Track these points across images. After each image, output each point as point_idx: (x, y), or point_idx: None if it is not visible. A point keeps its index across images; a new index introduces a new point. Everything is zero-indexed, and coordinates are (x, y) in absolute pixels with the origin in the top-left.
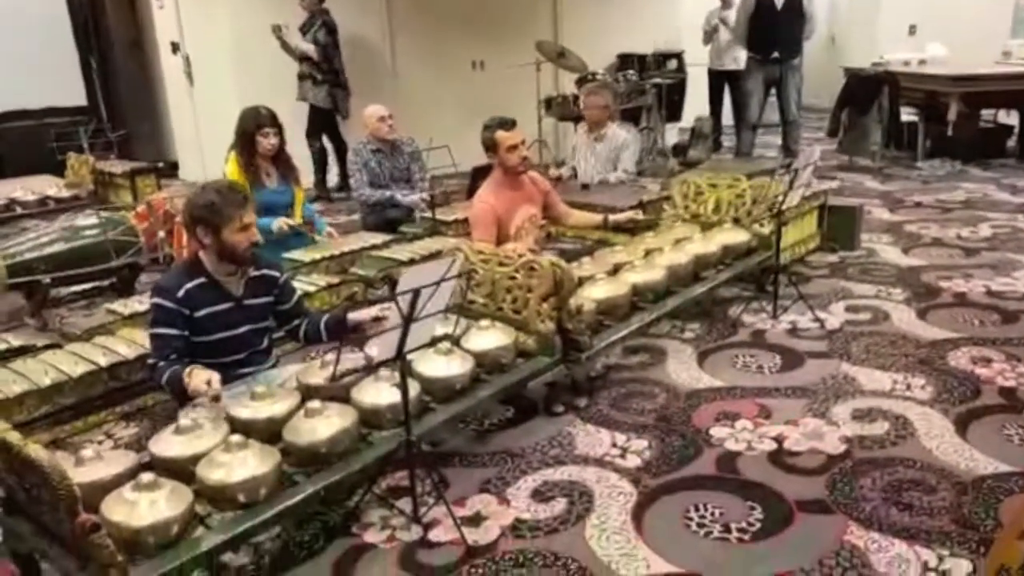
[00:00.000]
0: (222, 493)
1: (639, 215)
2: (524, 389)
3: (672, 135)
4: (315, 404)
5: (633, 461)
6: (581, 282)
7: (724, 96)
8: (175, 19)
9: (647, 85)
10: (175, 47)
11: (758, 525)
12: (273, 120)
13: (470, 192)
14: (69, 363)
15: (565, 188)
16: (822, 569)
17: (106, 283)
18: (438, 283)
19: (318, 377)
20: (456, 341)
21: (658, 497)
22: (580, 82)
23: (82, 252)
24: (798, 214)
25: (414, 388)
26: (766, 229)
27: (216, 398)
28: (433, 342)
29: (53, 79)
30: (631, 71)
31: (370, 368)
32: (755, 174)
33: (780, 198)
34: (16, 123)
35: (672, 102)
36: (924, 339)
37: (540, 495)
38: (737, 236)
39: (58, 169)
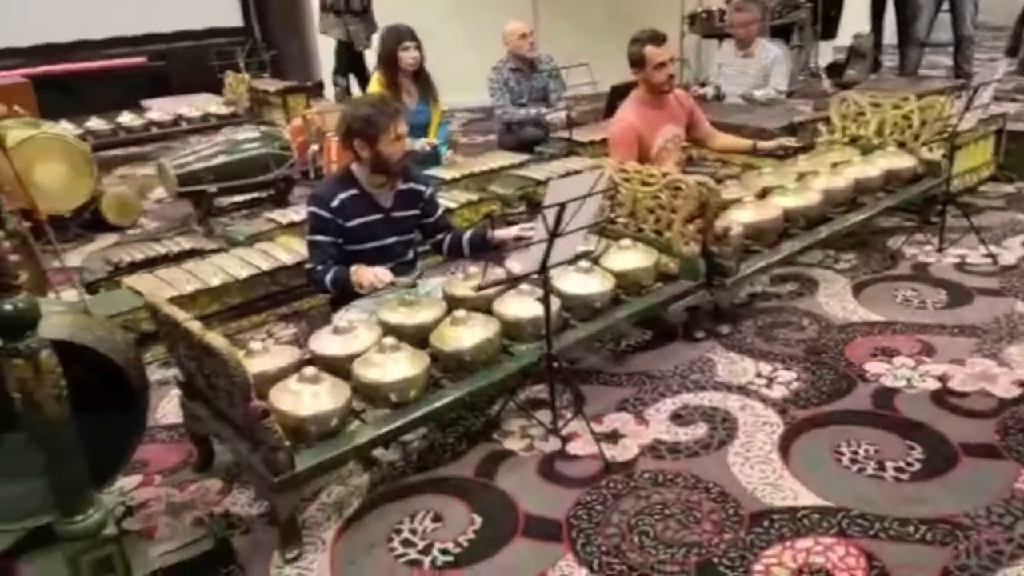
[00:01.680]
0: (376, 391)
1: (791, 142)
2: (664, 312)
3: (827, 54)
4: (461, 314)
5: (779, 391)
6: (727, 205)
7: (887, 9)
8: None
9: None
10: None
11: (917, 466)
12: (413, 35)
13: (607, 112)
14: (235, 266)
15: (709, 108)
16: (990, 516)
17: (264, 194)
18: (586, 196)
19: (463, 289)
20: (596, 260)
21: (807, 429)
22: None
23: (243, 164)
24: (972, 139)
25: (554, 304)
26: (935, 154)
27: (413, 284)
28: (575, 259)
29: (214, 1)
30: None
31: (514, 280)
32: (924, 94)
33: (955, 120)
34: (182, 43)
35: (828, 17)
36: None
37: (680, 418)
38: (901, 161)
39: (218, 87)
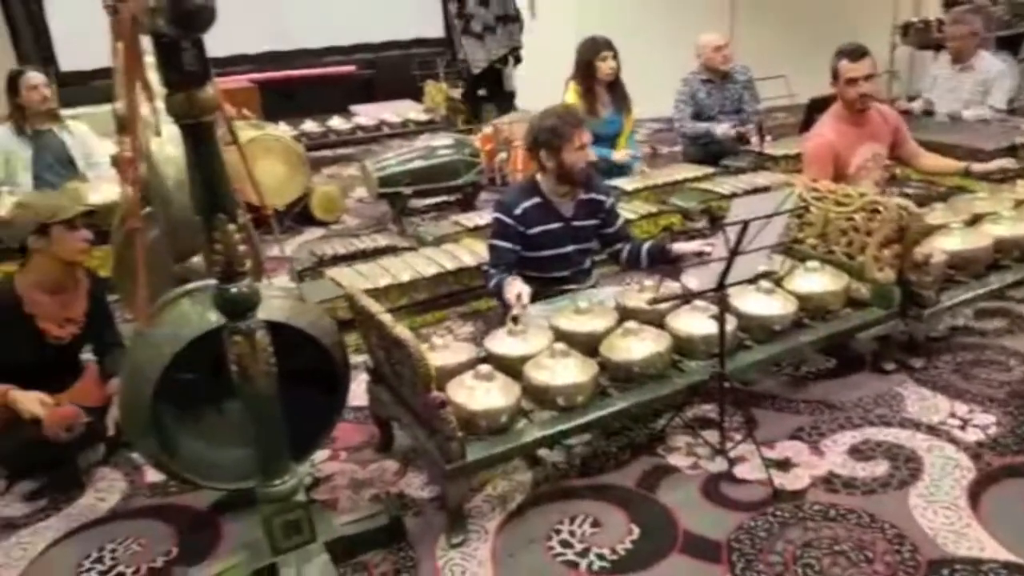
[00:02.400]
0: (544, 393)
1: (1011, 163)
2: (851, 340)
3: None
4: (632, 325)
5: (974, 435)
6: (931, 230)
7: None
8: None
9: None
10: None
11: None
12: (610, 45)
13: (804, 126)
14: (423, 264)
15: (917, 125)
16: None
17: (452, 198)
18: (770, 216)
19: (636, 300)
20: (780, 281)
21: (1002, 478)
22: (949, 4)
23: (436, 169)
24: None
25: (730, 323)
26: None
27: (515, 319)
28: (755, 279)
29: (420, 13)
30: None
31: (690, 296)
32: None
33: None
34: (389, 52)
35: None
36: None
37: (859, 452)
38: None
39: (418, 95)
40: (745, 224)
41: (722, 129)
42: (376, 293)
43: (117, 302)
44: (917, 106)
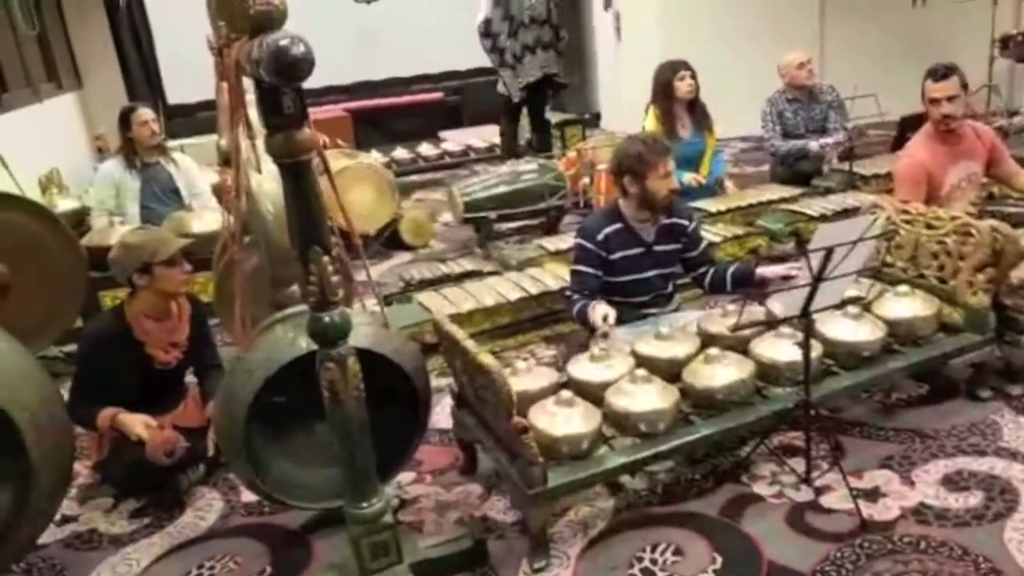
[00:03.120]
0: (625, 420)
1: None
2: (944, 367)
3: None
4: (714, 351)
5: None
6: None
7: None
8: None
9: None
10: (607, 3)
11: None
12: (687, 66)
13: (896, 144)
14: (507, 288)
15: (1016, 141)
16: None
17: (536, 222)
18: (854, 243)
19: (719, 326)
20: (868, 306)
21: None
22: None
23: (521, 194)
24: None
25: (816, 349)
26: None
27: (605, 335)
28: (842, 304)
29: None
30: None
31: (773, 323)
32: None
33: None
34: (475, 79)
35: None
36: None
37: (952, 483)
38: None
39: None
40: (829, 251)
41: (815, 145)
42: (460, 317)
43: (217, 326)
44: (1018, 122)
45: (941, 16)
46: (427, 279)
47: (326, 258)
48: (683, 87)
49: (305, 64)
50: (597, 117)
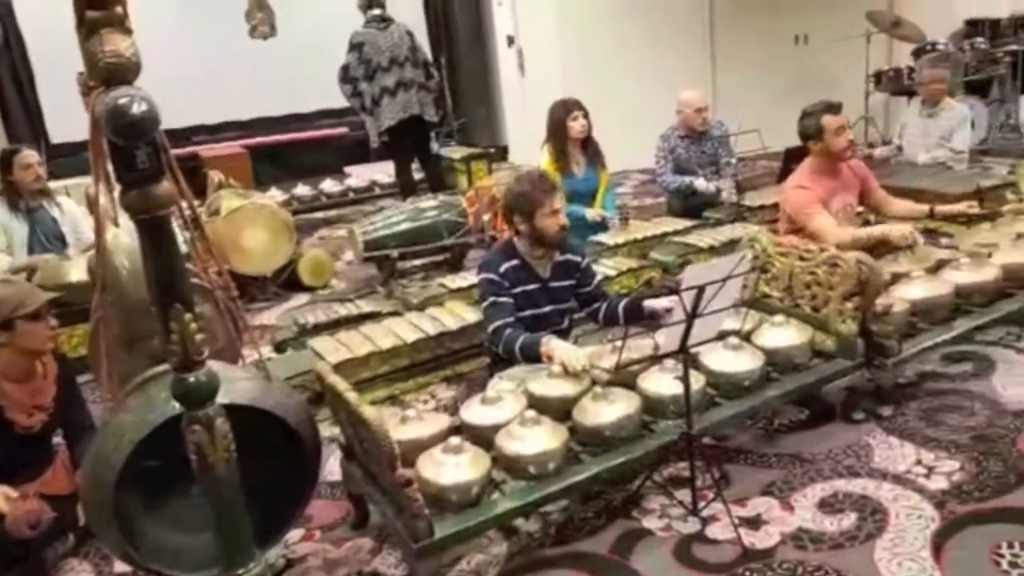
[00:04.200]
0: (516, 463)
1: (973, 207)
2: (819, 391)
3: None
4: (601, 388)
5: (939, 483)
6: (895, 279)
7: None
8: (511, 14)
9: (999, 53)
10: (510, 40)
11: None
12: (580, 105)
13: (781, 175)
14: (405, 330)
15: (891, 171)
16: None
17: (440, 258)
18: (724, 280)
19: (608, 361)
20: (747, 336)
21: (965, 526)
22: (917, 53)
23: (423, 231)
24: None
25: (699, 381)
26: None
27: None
28: (720, 337)
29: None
30: (979, 39)
31: (652, 359)
32: None
33: None
34: None
35: None
36: None
37: (828, 506)
38: None
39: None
40: (700, 289)
41: (701, 183)
42: (356, 362)
43: (90, 383)
44: (882, 151)
45: (821, 54)
46: (323, 322)
47: (188, 316)
48: (576, 127)
49: (146, 123)
50: (505, 150)
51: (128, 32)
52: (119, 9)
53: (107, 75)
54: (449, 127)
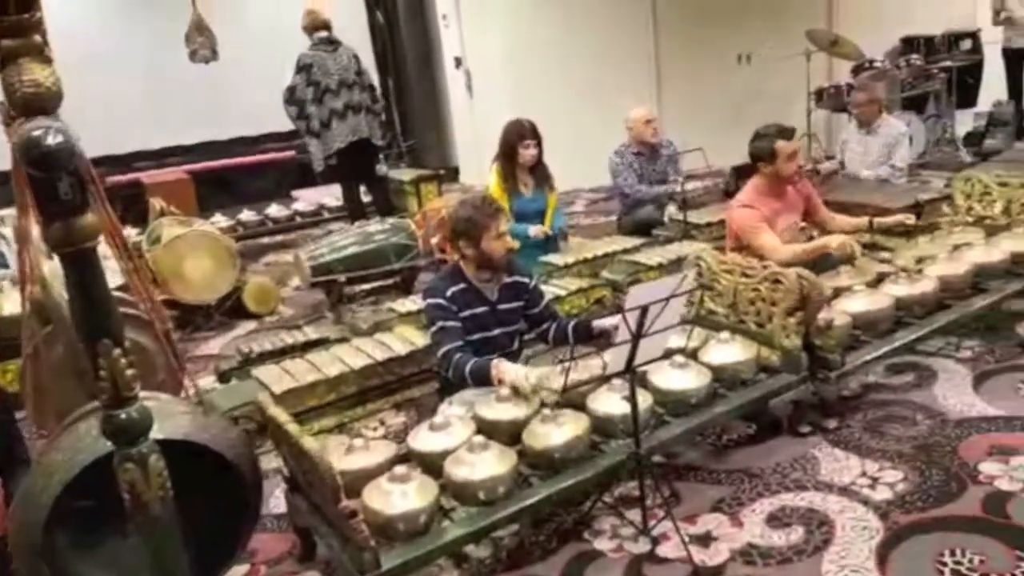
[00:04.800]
0: (465, 489)
1: (910, 219)
2: (766, 406)
3: (966, 122)
4: (550, 411)
5: (883, 493)
6: (837, 294)
7: None
8: (458, 36)
9: (934, 69)
10: (458, 62)
11: None
12: (534, 132)
13: (728, 192)
14: (352, 356)
15: (834, 186)
16: None
17: (390, 282)
18: (667, 300)
19: (557, 383)
20: (694, 354)
21: (908, 536)
22: (856, 71)
23: (372, 255)
24: None
25: (647, 400)
26: None
27: (535, 390)
28: (666, 355)
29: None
30: (915, 55)
31: (598, 381)
32: None
33: None
34: None
35: (965, 86)
36: None
37: (776, 520)
38: None
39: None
40: (644, 309)
41: (678, 186)
42: (302, 391)
43: (24, 420)
44: (826, 167)
45: (763, 72)
46: (268, 351)
47: (117, 351)
48: (526, 155)
49: (61, 155)
50: (455, 172)
51: (48, 61)
52: (37, 38)
53: (26, 105)
54: (398, 149)
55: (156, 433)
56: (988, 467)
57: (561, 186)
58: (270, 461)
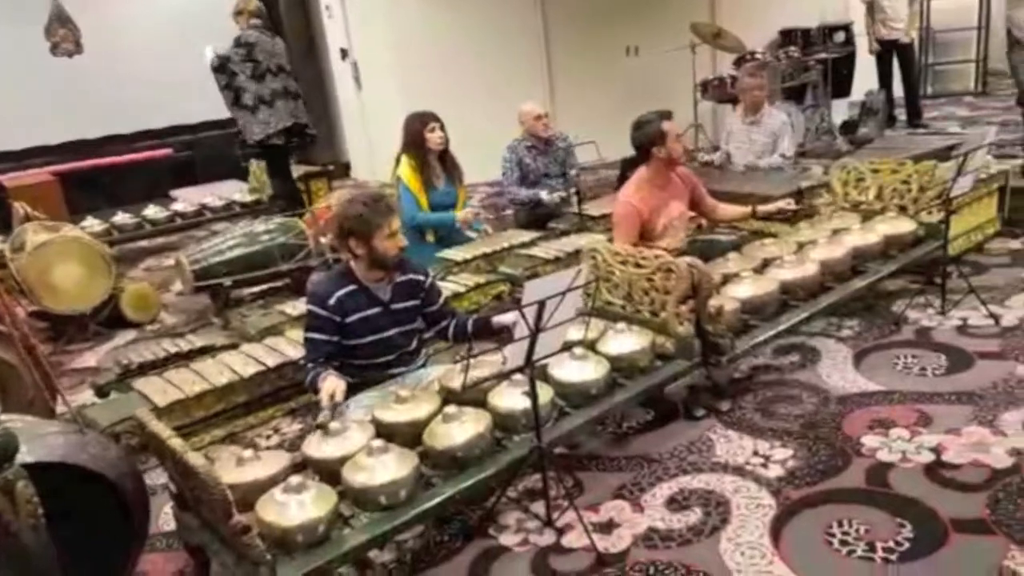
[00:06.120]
0: (365, 495)
1: (790, 204)
2: (663, 392)
3: (842, 111)
4: (451, 409)
5: (775, 471)
6: (725, 280)
7: (894, 67)
8: (343, 26)
9: (811, 61)
10: (344, 53)
11: (907, 545)
12: (436, 117)
13: (620, 182)
14: (241, 364)
15: (721, 176)
16: None
17: (281, 283)
18: (563, 294)
19: (458, 381)
20: (592, 345)
21: (799, 511)
22: (738, 62)
23: (259, 256)
24: (972, 199)
25: (548, 393)
26: (934, 217)
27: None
28: (565, 348)
29: None
30: (793, 47)
31: (499, 377)
32: (925, 156)
33: (948, 186)
34: (209, 132)
35: (840, 77)
36: None
37: (675, 503)
38: (901, 226)
39: (245, 175)
40: (541, 304)
41: (547, 194)
42: (188, 402)
43: None
44: (717, 158)
45: (651, 65)
46: (150, 361)
47: None
48: (434, 138)
49: None
50: (347, 167)
51: None
52: None
53: None
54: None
55: (25, 456)
56: (870, 440)
57: None
58: (158, 477)
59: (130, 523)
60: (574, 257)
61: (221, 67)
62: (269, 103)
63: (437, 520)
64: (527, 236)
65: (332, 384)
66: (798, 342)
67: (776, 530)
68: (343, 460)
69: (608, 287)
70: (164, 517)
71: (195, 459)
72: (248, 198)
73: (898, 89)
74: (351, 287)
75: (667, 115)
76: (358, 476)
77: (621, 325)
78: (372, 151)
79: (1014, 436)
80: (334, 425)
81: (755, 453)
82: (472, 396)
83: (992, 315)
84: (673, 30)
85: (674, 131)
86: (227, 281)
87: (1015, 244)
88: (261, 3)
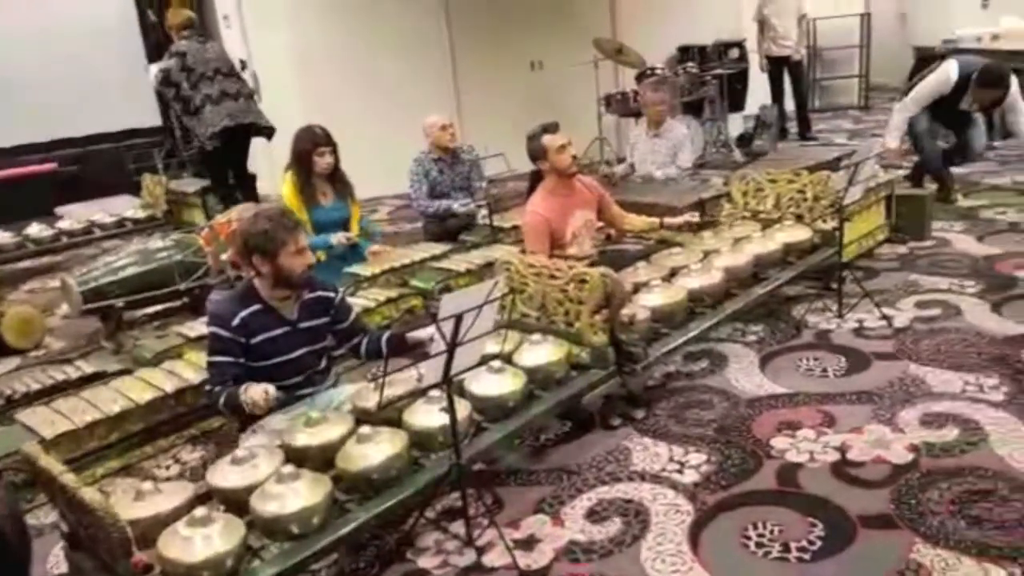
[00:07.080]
0: (275, 525)
1: (694, 217)
2: (579, 403)
3: (737, 125)
4: (366, 430)
5: (691, 476)
6: (636, 289)
7: (784, 82)
8: (242, 37)
9: (708, 76)
10: (243, 64)
11: (819, 544)
12: (328, 139)
13: (529, 193)
14: (137, 390)
15: (625, 187)
16: None
17: (178, 304)
18: (479, 307)
19: (371, 400)
20: (508, 357)
21: (716, 515)
22: (639, 78)
23: (154, 275)
24: (863, 207)
25: (465, 408)
26: (828, 225)
27: (269, 414)
28: (482, 362)
29: (131, 102)
30: (691, 63)
31: (416, 394)
32: (817, 167)
33: (840, 195)
34: (98, 146)
35: (735, 91)
36: (999, 335)
37: (595, 515)
38: (799, 233)
39: (137, 190)
40: (458, 318)
41: (460, 205)
42: (78, 434)
43: None
44: (621, 169)
45: (555, 79)
46: (35, 390)
47: None
48: (322, 163)
49: None
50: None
51: None
52: None
53: None
54: (179, 158)
55: None
56: (778, 442)
57: (362, 193)
58: (46, 515)
59: (12, 569)
60: (487, 269)
61: (165, 80)
62: (213, 105)
63: (352, 547)
64: (437, 249)
65: (260, 386)
66: (707, 348)
67: (695, 535)
68: (251, 489)
69: (522, 299)
70: (53, 560)
71: (90, 495)
72: (141, 214)
73: (789, 103)
74: (255, 307)
75: (552, 128)
76: (268, 505)
77: (537, 336)
78: (273, 163)
79: (911, 432)
80: (239, 452)
81: (671, 459)
82: (387, 415)
83: (885, 317)
84: (577, 45)
85: (555, 144)
86: (119, 302)
87: (902, 249)
88: (192, 13)
